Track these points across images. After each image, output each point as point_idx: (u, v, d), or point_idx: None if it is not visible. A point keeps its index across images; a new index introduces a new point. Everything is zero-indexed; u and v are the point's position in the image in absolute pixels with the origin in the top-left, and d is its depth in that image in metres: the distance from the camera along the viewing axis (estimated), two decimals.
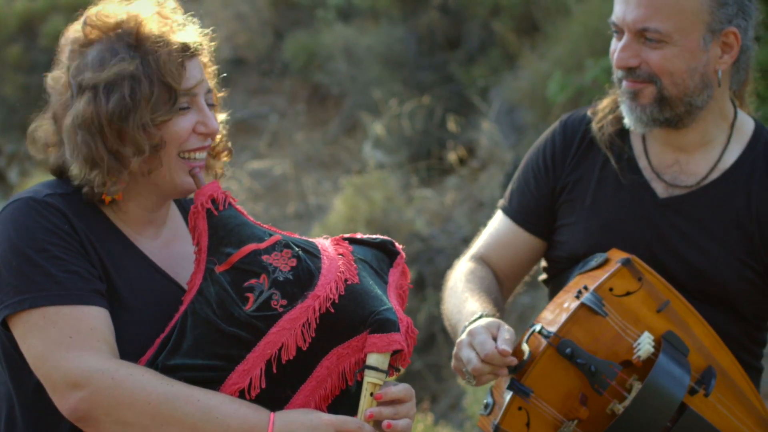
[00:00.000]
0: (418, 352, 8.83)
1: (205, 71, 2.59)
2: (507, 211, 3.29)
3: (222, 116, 2.68)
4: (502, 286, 3.27)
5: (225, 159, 2.72)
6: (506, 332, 2.81)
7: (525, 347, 2.81)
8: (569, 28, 8.34)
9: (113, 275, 2.48)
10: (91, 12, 2.53)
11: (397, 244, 2.67)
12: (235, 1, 12.18)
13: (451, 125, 9.35)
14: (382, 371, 2.43)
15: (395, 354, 2.47)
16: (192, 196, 2.57)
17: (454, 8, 10.30)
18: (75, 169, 2.47)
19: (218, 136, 2.66)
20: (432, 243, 8.41)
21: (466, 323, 2.92)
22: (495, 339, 2.79)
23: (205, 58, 2.60)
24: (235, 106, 11.42)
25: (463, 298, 3.09)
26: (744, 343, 3.09)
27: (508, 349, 2.75)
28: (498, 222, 3.31)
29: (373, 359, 2.42)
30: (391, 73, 10.33)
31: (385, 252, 2.65)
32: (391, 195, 8.91)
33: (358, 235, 2.65)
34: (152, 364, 2.41)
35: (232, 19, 12.07)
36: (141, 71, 2.45)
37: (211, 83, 2.62)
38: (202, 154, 2.57)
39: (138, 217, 2.58)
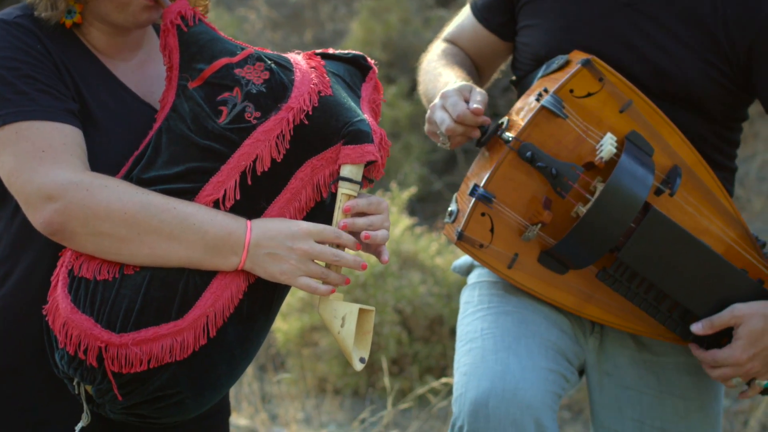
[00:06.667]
0: (439, 173, 8.84)
1: None
2: (472, 7, 3.27)
3: None
4: (475, 68, 3.27)
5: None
6: (478, 94, 2.81)
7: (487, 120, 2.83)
8: None
9: (86, 97, 2.45)
10: None
11: (369, 58, 2.64)
12: None
13: None
14: (355, 182, 2.42)
15: (369, 165, 2.46)
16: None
17: None
18: None
19: None
20: None
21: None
22: (467, 102, 2.79)
23: None
24: None
25: (437, 74, 3.07)
26: (714, 142, 3.02)
27: (481, 107, 2.75)
28: (465, 16, 3.30)
29: (347, 170, 2.41)
30: None
31: (358, 67, 2.62)
32: (407, 17, 8.79)
33: (330, 51, 2.62)
34: (126, 178, 2.39)
35: None
36: None
37: None
38: None
39: (104, 42, 2.54)
